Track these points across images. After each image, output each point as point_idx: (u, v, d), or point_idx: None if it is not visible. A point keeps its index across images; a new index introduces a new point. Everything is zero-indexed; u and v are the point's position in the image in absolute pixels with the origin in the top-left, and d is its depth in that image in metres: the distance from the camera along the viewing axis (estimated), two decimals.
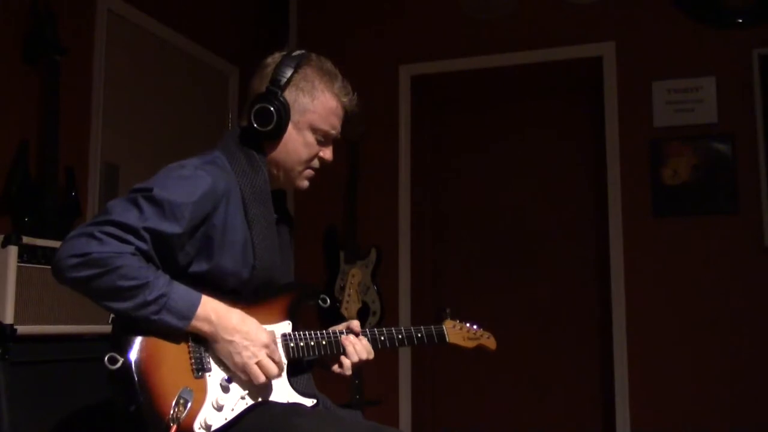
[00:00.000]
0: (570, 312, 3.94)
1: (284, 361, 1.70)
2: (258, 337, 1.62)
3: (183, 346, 1.58)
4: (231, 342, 1.59)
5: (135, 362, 1.52)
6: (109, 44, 3.16)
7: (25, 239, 2.27)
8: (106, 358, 1.51)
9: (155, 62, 3.50)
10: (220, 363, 1.63)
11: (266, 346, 1.63)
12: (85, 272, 1.49)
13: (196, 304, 1.57)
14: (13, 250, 2.23)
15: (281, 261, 1.83)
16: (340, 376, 1.86)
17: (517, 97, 4.22)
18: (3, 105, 2.66)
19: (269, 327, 1.71)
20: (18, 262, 2.24)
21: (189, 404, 1.50)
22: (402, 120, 4.16)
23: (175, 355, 1.57)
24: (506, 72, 4.07)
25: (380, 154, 4.16)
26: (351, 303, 2.61)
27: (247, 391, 1.63)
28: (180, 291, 1.56)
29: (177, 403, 1.49)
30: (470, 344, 2.08)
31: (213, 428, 1.56)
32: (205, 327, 1.58)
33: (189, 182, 1.62)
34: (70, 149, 2.86)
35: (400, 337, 1.92)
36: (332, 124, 1.82)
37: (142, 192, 1.58)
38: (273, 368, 1.63)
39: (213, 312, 1.59)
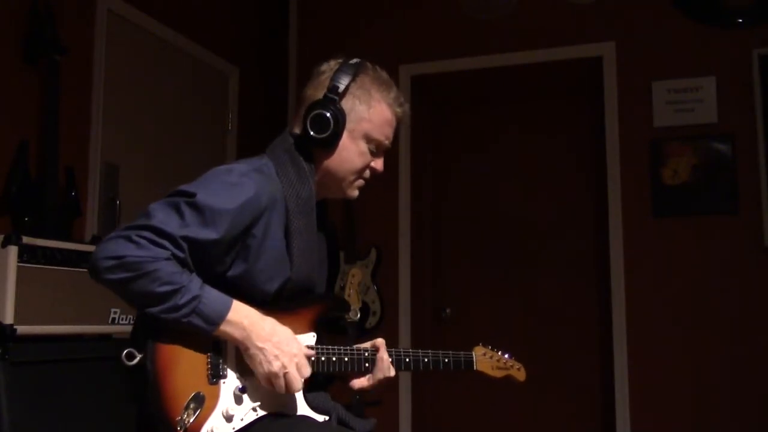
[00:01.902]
0: (570, 312, 3.94)
1: (301, 387, 1.65)
2: (290, 348, 1.60)
3: (202, 356, 1.57)
4: (262, 349, 1.57)
5: (152, 360, 1.51)
6: (109, 44, 3.16)
7: (25, 239, 2.27)
8: (123, 354, 1.51)
9: (155, 62, 3.50)
10: (237, 372, 1.61)
11: (296, 357, 1.60)
12: (119, 275, 1.49)
13: (226, 310, 1.56)
14: (13, 250, 2.23)
15: (319, 274, 1.81)
16: (352, 389, 1.83)
17: (517, 97, 4.22)
18: (3, 105, 2.66)
19: None
20: (18, 262, 2.24)
21: (199, 410, 1.50)
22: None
23: (192, 360, 1.56)
24: (506, 72, 4.07)
25: None
26: (351, 303, 2.61)
27: (259, 403, 1.62)
28: (211, 296, 1.55)
29: (187, 407, 1.49)
30: (498, 374, 2.05)
31: None
32: (236, 333, 1.56)
33: (234, 190, 1.60)
34: (70, 149, 2.86)
35: (426, 360, 1.88)
36: (386, 134, 1.81)
37: (186, 196, 1.56)
38: (298, 384, 1.60)
39: (246, 318, 1.57)
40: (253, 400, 1.61)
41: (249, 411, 1.60)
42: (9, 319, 2.19)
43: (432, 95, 4.32)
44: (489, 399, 4.01)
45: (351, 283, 2.63)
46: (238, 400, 1.59)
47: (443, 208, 4.28)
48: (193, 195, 1.56)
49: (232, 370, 1.61)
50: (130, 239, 1.50)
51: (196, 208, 1.55)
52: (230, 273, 1.64)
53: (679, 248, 3.64)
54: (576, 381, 3.89)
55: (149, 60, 3.47)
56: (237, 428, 1.57)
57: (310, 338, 1.73)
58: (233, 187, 1.60)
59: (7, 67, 2.69)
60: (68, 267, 2.39)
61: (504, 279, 4.06)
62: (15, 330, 2.19)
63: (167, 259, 1.51)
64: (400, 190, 4.12)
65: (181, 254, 1.53)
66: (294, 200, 1.68)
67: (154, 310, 1.50)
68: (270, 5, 4.39)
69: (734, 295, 3.53)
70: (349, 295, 2.62)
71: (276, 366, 1.57)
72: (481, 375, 2.01)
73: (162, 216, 1.53)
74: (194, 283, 1.53)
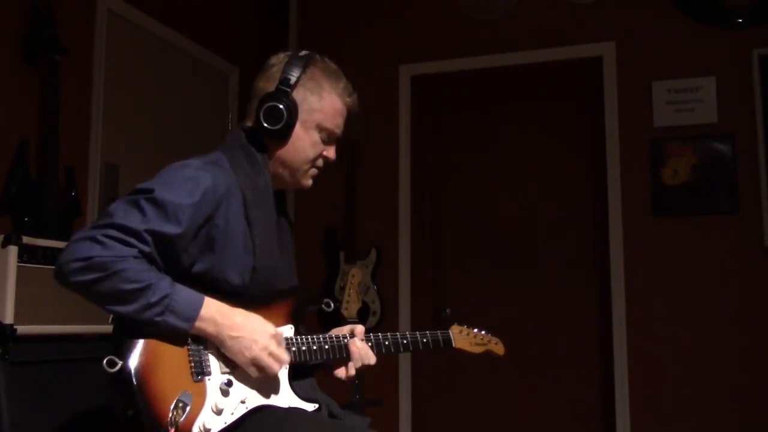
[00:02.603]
0: (570, 312, 3.94)
1: (288, 357, 1.69)
2: (264, 329, 1.63)
3: (182, 350, 1.58)
4: (238, 338, 1.60)
5: (134, 366, 1.51)
6: (109, 44, 3.16)
7: (25, 239, 2.27)
8: (104, 362, 1.51)
9: (155, 62, 3.50)
10: (221, 366, 1.62)
11: (274, 337, 1.64)
12: (87, 276, 1.50)
13: (199, 305, 1.58)
14: (13, 250, 2.23)
15: (283, 263, 1.83)
16: (341, 380, 1.86)
17: (517, 97, 4.22)
18: (3, 105, 2.66)
19: None
20: (18, 262, 2.23)
21: (188, 408, 1.50)
22: (402, 120, 4.16)
23: (174, 359, 1.57)
24: (506, 72, 4.07)
25: (380, 154, 4.16)
26: (351, 303, 2.61)
27: (247, 396, 1.63)
28: (183, 293, 1.57)
29: (175, 407, 1.49)
30: (478, 350, 2.08)
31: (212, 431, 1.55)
32: (209, 328, 1.58)
33: (191, 183, 1.62)
34: (70, 149, 2.86)
35: (405, 342, 1.91)
36: (337, 124, 1.85)
37: (144, 193, 1.58)
38: (285, 355, 1.64)
39: (217, 313, 1.59)
40: (241, 393, 1.63)
41: (238, 404, 1.61)
42: (9, 319, 2.19)
43: (432, 95, 4.32)
44: (489, 399, 4.01)
45: (351, 283, 2.63)
46: (225, 393, 1.60)
47: (443, 208, 4.27)
48: (151, 191, 1.58)
49: (214, 365, 1.62)
50: (95, 240, 1.51)
51: (156, 203, 1.57)
52: (198, 268, 1.66)
53: (679, 248, 3.64)
54: (576, 381, 3.89)
55: (149, 60, 3.47)
56: (229, 422, 1.58)
57: (289, 330, 1.76)
58: (190, 180, 1.63)
59: (7, 67, 2.69)
60: None
61: (504, 279, 4.05)
62: (15, 330, 2.19)
63: (135, 257, 1.53)
64: (400, 190, 4.12)
65: (147, 248, 1.54)
66: (250, 191, 1.72)
67: (127, 310, 1.51)
68: (270, 5, 4.39)
69: (734, 295, 3.53)
70: (349, 295, 2.62)
71: (256, 350, 1.60)
72: (461, 352, 2.05)
73: (123, 213, 1.55)
74: (164, 281, 1.55)
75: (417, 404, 4.02)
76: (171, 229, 1.57)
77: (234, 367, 1.64)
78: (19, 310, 2.22)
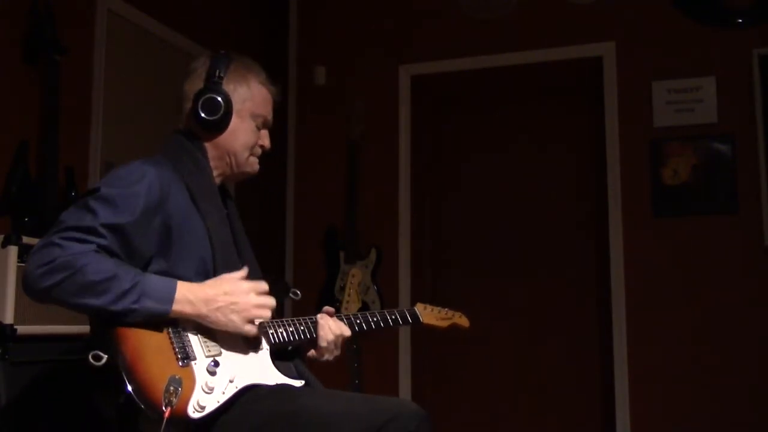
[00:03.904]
0: (570, 312, 3.94)
1: (273, 301, 1.72)
2: (239, 288, 1.66)
3: (163, 335, 1.60)
4: (219, 309, 1.62)
5: (120, 355, 1.52)
6: (109, 44, 3.16)
7: (25, 239, 2.27)
8: (90, 356, 1.52)
9: (155, 62, 3.50)
10: (204, 349, 1.63)
11: (252, 290, 1.67)
12: (54, 278, 1.52)
13: (173, 287, 1.59)
14: (13, 250, 2.23)
15: (244, 255, 1.87)
16: (323, 362, 1.89)
17: (517, 97, 4.22)
18: (3, 105, 2.66)
19: None
20: (18, 262, 2.23)
21: (180, 390, 1.51)
22: (402, 120, 4.16)
23: (157, 345, 1.58)
24: (506, 72, 4.07)
25: (380, 154, 4.16)
26: (351, 303, 2.61)
27: (235, 375, 1.64)
28: (153, 277, 1.60)
29: (167, 390, 1.50)
30: (444, 323, 2.18)
31: (207, 410, 1.56)
32: (187, 308, 1.60)
33: (136, 173, 1.67)
34: (70, 149, 2.85)
35: (375, 320, 1.97)
36: (268, 110, 1.92)
37: (90, 194, 1.63)
38: (270, 300, 1.69)
39: (189, 292, 1.61)
40: (228, 373, 1.63)
41: (227, 383, 1.61)
42: (9, 319, 2.19)
43: (432, 95, 4.32)
44: (489, 398, 4.01)
45: (351, 283, 2.63)
46: (213, 374, 1.61)
47: (443, 208, 4.27)
48: (97, 190, 1.63)
49: (197, 349, 1.63)
50: (53, 244, 1.54)
51: (104, 199, 1.61)
52: (156, 266, 1.67)
53: (679, 248, 3.64)
54: (576, 381, 3.89)
55: (149, 60, 3.47)
56: (221, 401, 1.59)
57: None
58: (134, 172, 1.68)
59: (7, 67, 2.69)
60: None
61: (504, 279, 4.06)
62: (15, 330, 2.19)
63: (96, 251, 1.55)
64: (400, 190, 4.12)
65: (104, 242, 1.57)
66: (196, 187, 1.76)
67: (102, 301, 1.52)
68: (270, 5, 4.39)
69: (734, 295, 3.53)
70: (349, 295, 2.62)
71: (241, 312, 1.64)
72: (429, 327, 2.14)
73: (76, 216, 1.59)
74: (131, 269, 1.57)
75: (417, 403, 4.01)
76: (123, 218, 1.60)
77: (218, 347, 1.65)
78: (19, 310, 2.22)
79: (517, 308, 4.02)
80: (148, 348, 1.56)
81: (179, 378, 1.53)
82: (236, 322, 1.63)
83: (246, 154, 1.88)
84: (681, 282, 3.62)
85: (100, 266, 1.53)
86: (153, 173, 1.68)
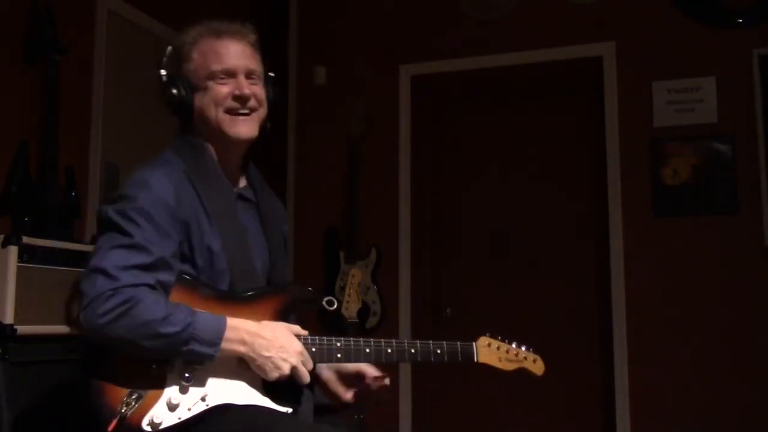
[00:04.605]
0: (570, 312, 3.94)
1: (308, 378, 1.66)
2: (294, 347, 1.63)
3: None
4: (270, 358, 1.59)
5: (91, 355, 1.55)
6: (109, 44, 3.16)
7: (25, 239, 2.27)
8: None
9: (155, 62, 3.50)
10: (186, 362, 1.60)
11: (301, 354, 1.63)
12: (114, 311, 1.50)
13: (222, 329, 1.57)
14: (13, 250, 2.23)
15: (255, 244, 1.82)
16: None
17: (517, 97, 4.21)
18: (3, 105, 2.66)
19: None
20: (18, 262, 2.23)
21: (142, 400, 1.49)
22: (402, 120, 4.16)
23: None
24: (506, 72, 4.07)
25: (380, 154, 4.16)
26: (351, 303, 2.61)
27: (209, 392, 1.59)
28: (205, 317, 1.57)
29: (128, 397, 1.48)
30: (509, 366, 1.95)
31: (162, 426, 1.52)
32: (240, 348, 1.58)
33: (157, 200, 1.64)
34: (70, 149, 2.86)
35: (413, 351, 1.79)
36: (219, 60, 1.81)
37: (125, 237, 1.59)
38: (306, 377, 1.64)
39: (245, 333, 1.59)
40: (203, 389, 1.59)
41: (197, 401, 1.57)
42: (9, 319, 2.19)
43: (432, 95, 4.32)
44: (489, 399, 4.01)
45: (351, 283, 2.64)
46: (184, 390, 1.57)
47: (443, 208, 4.27)
48: (129, 231, 1.59)
49: (179, 361, 1.59)
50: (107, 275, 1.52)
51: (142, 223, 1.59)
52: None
53: (679, 248, 3.64)
54: (576, 381, 3.89)
55: (149, 60, 3.46)
56: (184, 417, 1.54)
57: None
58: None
59: (7, 67, 2.69)
60: (68, 267, 2.38)
61: (504, 279, 4.05)
62: (15, 330, 2.19)
63: (151, 288, 1.55)
64: (400, 190, 4.12)
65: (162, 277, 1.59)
66: (196, 172, 1.73)
67: (153, 345, 1.51)
68: (270, 5, 4.39)
69: (734, 295, 3.53)
70: (349, 295, 2.62)
71: (286, 368, 1.60)
72: (486, 367, 1.89)
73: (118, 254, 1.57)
74: (184, 310, 1.55)
75: (417, 404, 4.02)
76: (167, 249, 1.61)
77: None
78: (19, 310, 2.22)
79: (517, 308, 4.01)
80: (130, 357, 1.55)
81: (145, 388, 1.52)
82: (275, 375, 1.60)
83: (216, 110, 1.77)
84: (681, 282, 3.62)
85: (155, 306, 1.53)
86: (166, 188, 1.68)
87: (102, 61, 3.11)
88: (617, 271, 3.71)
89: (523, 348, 1.95)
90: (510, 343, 1.95)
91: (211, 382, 1.60)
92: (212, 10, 3.92)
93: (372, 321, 3.99)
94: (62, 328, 2.36)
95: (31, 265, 2.28)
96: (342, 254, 4.08)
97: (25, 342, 2.23)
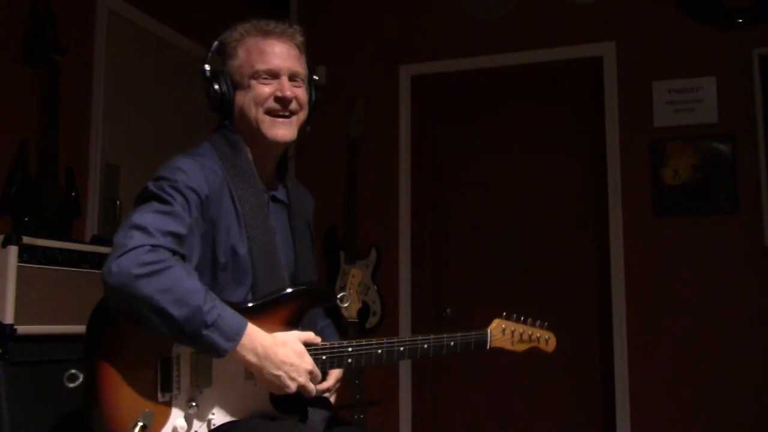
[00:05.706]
0: (570, 312, 3.94)
1: (314, 392, 1.65)
2: (305, 365, 1.60)
3: (150, 363, 1.54)
4: (279, 376, 1.57)
5: (95, 380, 1.49)
6: (109, 44, 3.16)
7: (25, 239, 2.27)
8: (65, 376, 1.51)
9: (155, 62, 3.50)
10: (191, 383, 1.58)
11: (310, 372, 1.61)
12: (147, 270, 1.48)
13: (243, 328, 1.54)
14: (13, 250, 2.23)
15: (283, 246, 1.81)
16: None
17: (517, 97, 4.22)
18: (3, 105, 2.66)
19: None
20: (18, 262, 2.23)
21: (147, 427, 1.47)
22: (402, 120, 4.16)
23: (141, 373, 1.53)
24: (506, 72, 4.07)
25: (380, 154, 4.16)
26: (351, 303, 2.61)
27: (217, 409, 1.58)
28: (230, 311, 1.54)
29: (134, 426, 1.45)
30: (521, 347, 1.96)
31: None
32: (252, 358, 1.55)
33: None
34: (70, 149, 2.86)
35: (425, 347, 1.78)
36: (264, 60, 1.81)
37: (165, 205, 1.59)
38: (312, 393, 1.62)
39: (260, 345, 1.56)
40: (210, 407, 1.57)
41: (205, 422, 1.57)
42: (9, 319, 2.19)
43: (432, 95, 4.32)
44: (489, 399, 4.01)
45: (351, 283, 2.63)
46: (190, 418, 1.55)
47: (443, 208, 4.27)
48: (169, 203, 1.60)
49: (185, 380, 1.57)
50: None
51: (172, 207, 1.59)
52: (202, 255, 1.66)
53: (680, 248, 3.64)
54: (576, 381, 3.89)
55: (149, 60, 3.47)
56: None
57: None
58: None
59: (7, 67, 2.69)
60: (68, 267, 2.38)
61: (504, 279, 4.05)
62: (15, 330, 2.19)
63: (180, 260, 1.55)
64: (400, 190, 4.12)
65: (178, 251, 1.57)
66: (232, 170, 1.72)
67: (179, 314, 1.47)
68: (270, 5, 4.39)
69: (734, 295, 3.53)
70: (349, 295, 2.62)
71: (293, 387, 1.58)
72: (499, 350, 1.87)
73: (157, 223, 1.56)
74: (210, 293, 1.54)
75: (417, 404, 4.02)
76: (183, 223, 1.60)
77: (209, 376, 1.59)
78: (19, 310, 2.22)
79: (517, 308, 4.00)
80: (130, 375, 1.51)
81: (151, 413, 1.48)
82: (282, 392, 1.59)
83: (257, 109, 1.77)
84: (681, 282, 3.61)
85: (189, 279, 1.52)
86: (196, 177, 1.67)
87: (102, 61, 3.11)
88: (618, 272, 3.71)
89: (537, 325, 1.97)
90: (524, 322, 1.96)
91: (220, 398, 1.59)
92: (212, 10, 3.94)
93: (372, 321, 3.99)
94: (62, 328, 2.36)
95: (31, 265, 2.28)
96: (342, 254, 4.08)
97: (25, 342, 2.23)
